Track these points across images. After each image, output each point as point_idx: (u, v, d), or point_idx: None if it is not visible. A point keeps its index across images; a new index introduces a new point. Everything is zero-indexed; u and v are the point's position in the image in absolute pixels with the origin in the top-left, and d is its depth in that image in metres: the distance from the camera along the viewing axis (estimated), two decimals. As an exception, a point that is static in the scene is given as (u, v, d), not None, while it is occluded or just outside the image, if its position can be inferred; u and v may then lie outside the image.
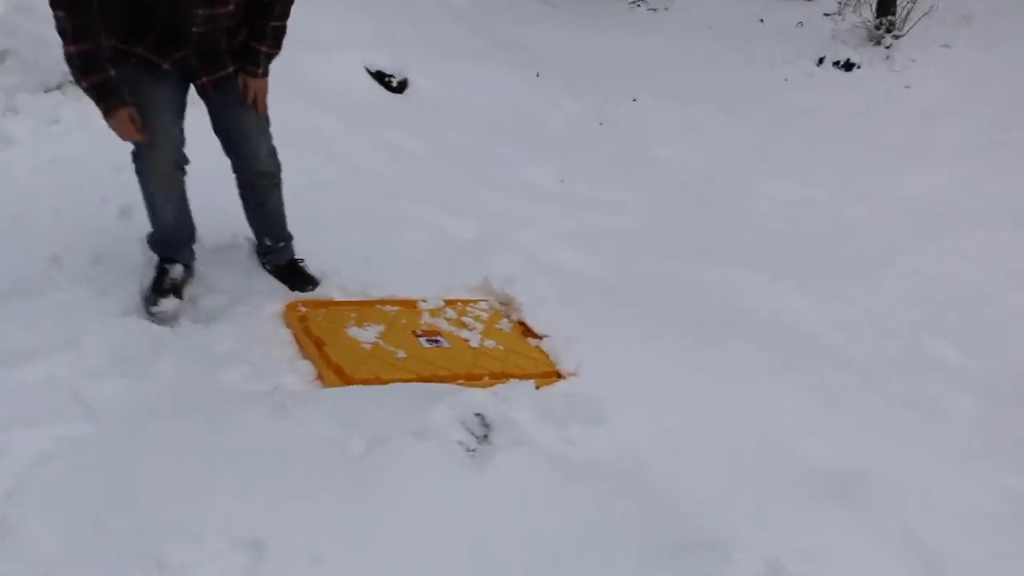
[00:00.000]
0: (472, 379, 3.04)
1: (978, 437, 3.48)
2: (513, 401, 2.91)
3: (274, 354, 3.00)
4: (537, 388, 3.04)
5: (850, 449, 3.12)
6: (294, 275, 3.44)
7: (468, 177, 5.11)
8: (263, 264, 3.48)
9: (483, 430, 2.75)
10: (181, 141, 3.06)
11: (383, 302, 3.40)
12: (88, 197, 3.62)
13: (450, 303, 3.48)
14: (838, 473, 2.92)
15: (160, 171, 3.06)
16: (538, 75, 7.71)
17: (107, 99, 2.79)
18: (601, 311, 3.68)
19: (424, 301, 3.45)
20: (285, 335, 3.10)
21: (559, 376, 3.17)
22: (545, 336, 3.36)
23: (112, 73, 2.76)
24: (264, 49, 3.05)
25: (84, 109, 4.22)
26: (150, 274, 3.21)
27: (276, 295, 3.30)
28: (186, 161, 3.10)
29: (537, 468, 2.62)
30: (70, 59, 2.72)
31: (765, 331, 4.13)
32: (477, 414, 2.80)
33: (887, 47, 8.75)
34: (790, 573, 2.38)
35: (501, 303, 3.60)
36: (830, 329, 4.52)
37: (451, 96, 6.26)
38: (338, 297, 3.39)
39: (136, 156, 3.05)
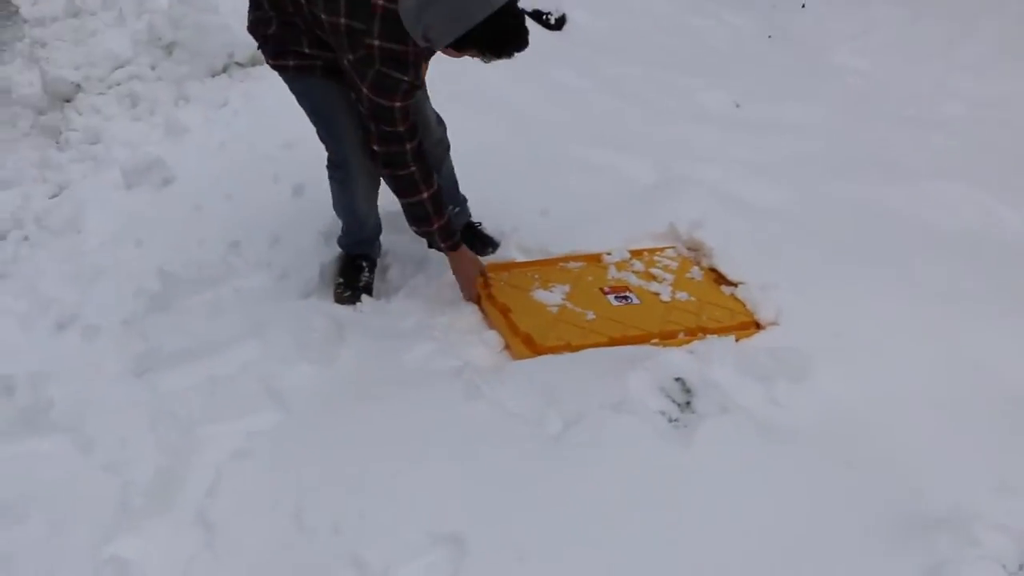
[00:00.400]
0: (666, 337, 2.78)
1: None
2: (714, 360, 2.65)
3: (459, 326, 2.84)
4: (737, 341, 2.76)
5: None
6: (473, 239, 3.25)
7: (638, 112, 4.77)
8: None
9: (685, 396, 2.51)
10: None
11: (566, 259, 3.17)
12: (260, 177, 3.54)
13: (636, 254, 3.22)
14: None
15: (365, 171, 2.86)
16: (698, -9, 7.18)
17: (452, 236, 2.83)
18: (794, 249, 3.33)
19: (609, 254, 3.19)
20: (468, 305, 2.91)
21: (758, 326, 2.87)
22: (740, 283, 3.05)
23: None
24: None
25: (249, 89, 4.18)
26: (339, 267, 3.11)
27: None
28: None
29: (745, 438, 2.36)
30: (421, 205, 2.71)
31: (967, 248, 3.65)
32: (677, 379, 2.55)
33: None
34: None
35: (689, 249, 3.29)
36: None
37: (611, 27, 5.90)
38: (519, 258, 3.19)
39: (338, 164, 2.90)
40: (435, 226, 2.71)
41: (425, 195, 2.65)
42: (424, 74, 2.95)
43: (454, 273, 2.90)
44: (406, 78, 2.44)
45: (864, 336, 2.83)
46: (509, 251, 3.22)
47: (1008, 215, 4.18)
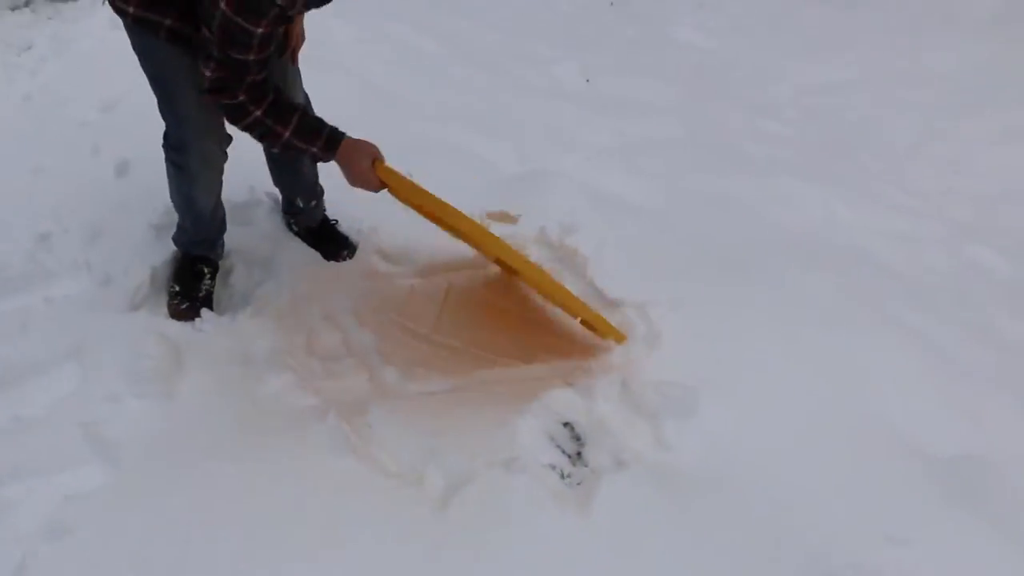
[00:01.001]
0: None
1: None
2: (598, 396, 2.40)
3: (318, 349, 2.43)
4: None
5: (959, 427, 2.63)
6: (328, 240, 2.83)
7: (493, 82, 4.41)
8: (290, 226, 2.87)
9: (575, 445, 2.25)
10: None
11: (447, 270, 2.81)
12: (76, 148, 2.94)
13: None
14: (957, 462, 2.46)
15: (208, 159, 2.40)
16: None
17: (331, 146, 2.27)
18: (665, 257, 3.11)
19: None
20: (327, 324, 2.51)
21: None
22: (618, 303, 2.79)
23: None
24: None
25: (59, 30, 3.50)
26: (174, 270, 2.62)
27: (309, 267, 2.69)
28: (231, 139, 2.45)
29: (642, 496, 2.14)
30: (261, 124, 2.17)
31: (826, 256, 3.58)
32: (566, 424, 2.28)
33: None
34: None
35: (562, 259, 3.00)
36: (882, 243, 3.98)
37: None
38: (380, 266, 2.79)
39: (176, 146, 2.39)
40: (285, 135, 2.19)
41: (258, 112, 2.13)
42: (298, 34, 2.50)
43: (348, 177, 2.33)
44: (279, 1, 1.95)
45: (746, 364, 2.64)
46: (368, 255, 2.82)
47: (844, 213, 4.16)
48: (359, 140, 2.29)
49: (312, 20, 2.49)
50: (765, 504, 2.21)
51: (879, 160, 5.10)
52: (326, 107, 2.93)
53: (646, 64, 5.57)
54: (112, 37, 3.29)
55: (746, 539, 2.11)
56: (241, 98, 2.08)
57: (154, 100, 2.29)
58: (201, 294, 2.56)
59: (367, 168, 2.28)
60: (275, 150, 2.24)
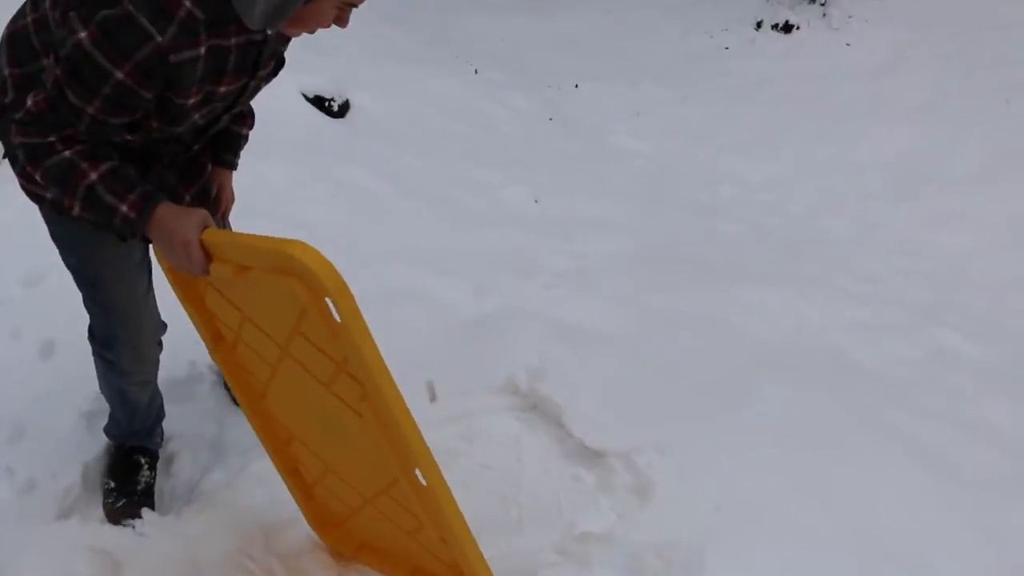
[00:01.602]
0: None
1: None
2: (595, 565, 2.14)
3: (280, 547, 2.13)
4: None
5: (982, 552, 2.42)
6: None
7: (438, 214, 4.22)
8: (235, 401, 2.58)
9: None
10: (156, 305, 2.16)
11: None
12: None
13: None
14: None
15: (141, 354, 2.13)
16: (476, 72, 6.80)
17: (145, 204, 1.64)
18: (642, 394, 2.89)
19: None
20: (294, 519, 2.20)
21: None
22: (601, 453, 2.55)
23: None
24: (246, 131, 2.13)
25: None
26: (108, 464, 2.32)
27: (260, 446, 2.40)
28: (165, 327, 2.21)
29: None
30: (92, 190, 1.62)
31: (810, 367, 3.43)
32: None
33: (822, 4, 8.05)
34: None
35: (532, 407, 2.75)
36: (855, 342, 3.87)
37: (397, 113, 5.33)
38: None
39: (103, 341, 2.10)
40: (91, 177, 1.60)
41: (68, 152, 1.59)
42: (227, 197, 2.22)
43: (164, 251, 1.70)
44: (157, 37, 1.50)
45: (748, 509, 2.41)
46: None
47: (811, 315, 4.04)
48: (188, 208, 1.71)
49: (243, 168, 2.26)
50: None
51: (829, 250, 5.05)
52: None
53: (591, 178, 5.48)
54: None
55: None
56: (51, 139, 1.58)
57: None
58: (140, 487, 2.25)
59: (191, 235, 1.61)
60: (75, 209, 1.64)
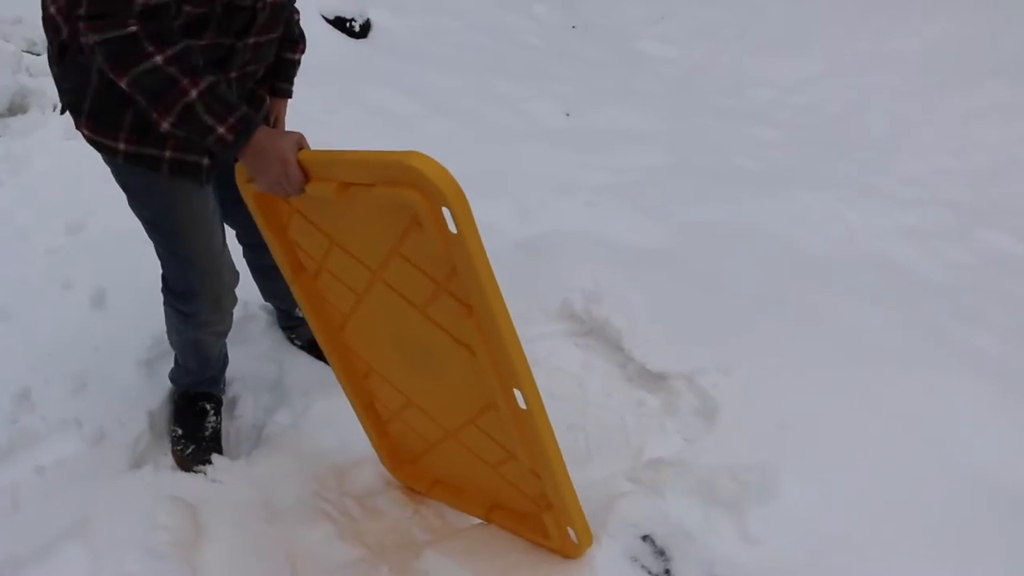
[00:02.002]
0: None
1: None
2: (668, 493, 2.11)
3: (353, 483, 2.12)
4: None
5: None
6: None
7: (472, 134, 4.12)
8: (292, 340, 2.56)
9: (661, 562, 1.95)
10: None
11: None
12: (44, 283, 2.61)
13: None
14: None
15: (219, 305, 2.09)
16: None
17: (246, 127, 1.57)
18: (698, 311, 2.82)
19: None
20: (364, 457, 2.19)
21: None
22: (663, 375, 2.51)
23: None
24: (298, 56, 2.04)
25: (9, 149, 3.16)
26: (174, 411, 2.30)
27: (321, 385, 2.39)
28: (239, 278, 2.15)
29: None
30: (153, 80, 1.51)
31: (864, 278, 3.35)
32: (644, 537, 1.99)
33: None
34: None
35: (590, 332, 2.71)
36: (905, 249, 3.80)
37: (421, 29, 5.18)
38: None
39: (180, 293, 2.03)
40: (191, 95, 1.52)
41: (159, 57, 1.50)
42: None
43: (259, 173, 1.62)
44: None
45: (816, 426, 2.36)
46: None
47: (857, 222, 3.96)
48: (282, 130, 1.78)
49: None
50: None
51: (868, 152, 4.92)
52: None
53: (619, 87, 5.33)
54: (69, 149, 2.98)
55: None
56: (132, 28, 1.47)
57: (127, 213, 1.96)
58: (207, 433, 2.24)
59: (290, 154, 1.56)
60: (164, 124, 1.55)
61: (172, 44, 1.51)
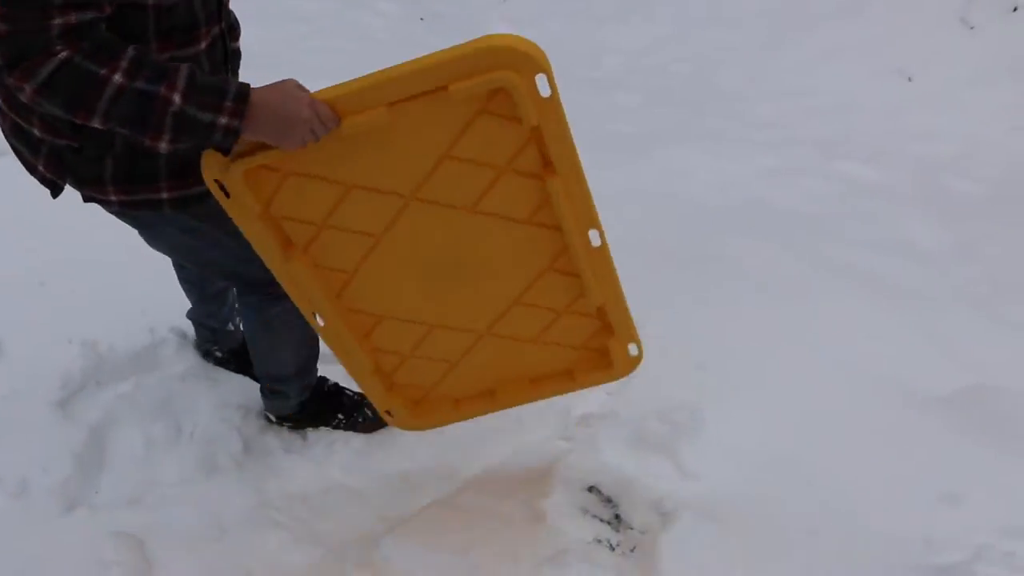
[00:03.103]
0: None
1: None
2: (602, 445, 2.20)
3: (296, 484, 2.13)
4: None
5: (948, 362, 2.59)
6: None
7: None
8: (212, 353, 2.47)
9: (610, 509, 2.05)
10: None
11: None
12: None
13: None
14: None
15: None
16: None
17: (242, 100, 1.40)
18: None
19: None
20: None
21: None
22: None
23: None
24: (239, 44, 1.84)
25: None
26: (318, 413, 2.31)
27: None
28: None
29: (702, 544, 1.94)
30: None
31: (747, 219, 3.55)
32: (590, 488, 2.08)
33: None
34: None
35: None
36: (774, 188, 4.01)
37: (279, 39, 5.11)
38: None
39: (278, 293, 1.82)
40: (175, 101, 1.34)
41: (118, 75, 1.31)
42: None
43: (276, 130, 1.45)
44: None
45: (726, 360, 2.51)
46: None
47: (730, 169, 4.15)
48: (272, 83, 1.46)
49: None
50: (824, 510, 2.07)
51: (726, 104, 5.13)
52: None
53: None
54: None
55: (829, 557, 1.97)
56: (63, 54, 1.27)
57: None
58: (355, 397, 2.29)
59: (305, 94, 1.43)
60: (161, 145, 1.38)
61: (120, 54, 1.32)
